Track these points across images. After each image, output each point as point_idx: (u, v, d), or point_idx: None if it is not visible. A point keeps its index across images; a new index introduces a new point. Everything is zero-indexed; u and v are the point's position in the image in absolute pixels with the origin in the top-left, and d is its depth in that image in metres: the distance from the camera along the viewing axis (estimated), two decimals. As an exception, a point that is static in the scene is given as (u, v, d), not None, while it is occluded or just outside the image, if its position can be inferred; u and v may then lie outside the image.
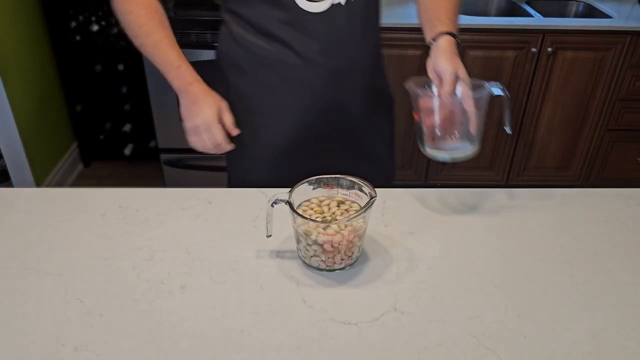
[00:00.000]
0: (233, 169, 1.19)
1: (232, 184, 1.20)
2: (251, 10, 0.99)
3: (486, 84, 0.88)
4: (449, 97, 0.88)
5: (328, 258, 0.79)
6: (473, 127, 0.88)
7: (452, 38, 0.93)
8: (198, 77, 0.98)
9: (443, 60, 0.90)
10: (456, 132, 0.88)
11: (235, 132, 1.00)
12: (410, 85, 0.89)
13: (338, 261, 0.80)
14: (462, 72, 0.89)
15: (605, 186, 1.09)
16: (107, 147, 2.67)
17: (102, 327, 0.71)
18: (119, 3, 0.97)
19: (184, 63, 0.97)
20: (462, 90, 0.88)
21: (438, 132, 0.88)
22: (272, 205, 0.79)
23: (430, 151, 0.90)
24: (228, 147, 1.00)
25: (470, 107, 0.87)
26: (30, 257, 0.83)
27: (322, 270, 0.81)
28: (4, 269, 0.81)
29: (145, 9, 0.96)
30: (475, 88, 0.88)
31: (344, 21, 1.00)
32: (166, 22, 0.98)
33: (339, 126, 1.10)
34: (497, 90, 0.87)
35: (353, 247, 0.80)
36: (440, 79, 0.90)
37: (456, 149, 0.90)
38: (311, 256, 0.80)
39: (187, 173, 2.38)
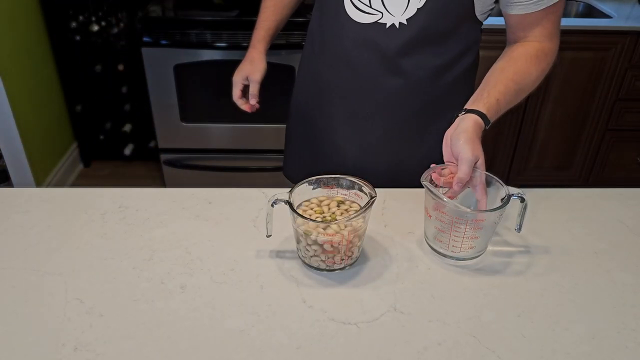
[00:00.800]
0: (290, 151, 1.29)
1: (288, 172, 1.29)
2: None
3: (504, 186, 0.82)
4: (460, 186, 0.81)
5: (328, 258, 0.79)
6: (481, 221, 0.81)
7: (481, 121, 0.86)
8: (256, 45, 1.16)
9: (463, 144, 0.82)
10: (462, 243, 0.83)
11: (250, 102, 1.15)
12: (427, 184, 0.82)
13: (338, 261, 0.80)
14: (481, 161, 0.83)
15: (605, 186, 1.09)
16: (107, 147, 2.67)
17: (102, 327, 0.71)
18: None
19: (259, 32, 1.17)
20: (476, 183, 0.82)
21: (443, 240, 0.84)
22: (272, 205, 0.79)
23: (433, 245, 0.86)
24: (243, 106, 1.17)
25: (481, 199, 0.82)
26: (30, 257, 0.83)
27: (322, 270, 0.81)
28: (4, 269, 0.81)
29: None
30: (489, 184, 0.83)
31: (384, 45, 0.97)
32: (279, 6, 1.18)
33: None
34: (515, 197, 0.81)
35: (353, 247, 0.80)
36: (457, 162, 0.83)
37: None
38: (311, 256, 0.80)
39: (187, 173, 2.38)
